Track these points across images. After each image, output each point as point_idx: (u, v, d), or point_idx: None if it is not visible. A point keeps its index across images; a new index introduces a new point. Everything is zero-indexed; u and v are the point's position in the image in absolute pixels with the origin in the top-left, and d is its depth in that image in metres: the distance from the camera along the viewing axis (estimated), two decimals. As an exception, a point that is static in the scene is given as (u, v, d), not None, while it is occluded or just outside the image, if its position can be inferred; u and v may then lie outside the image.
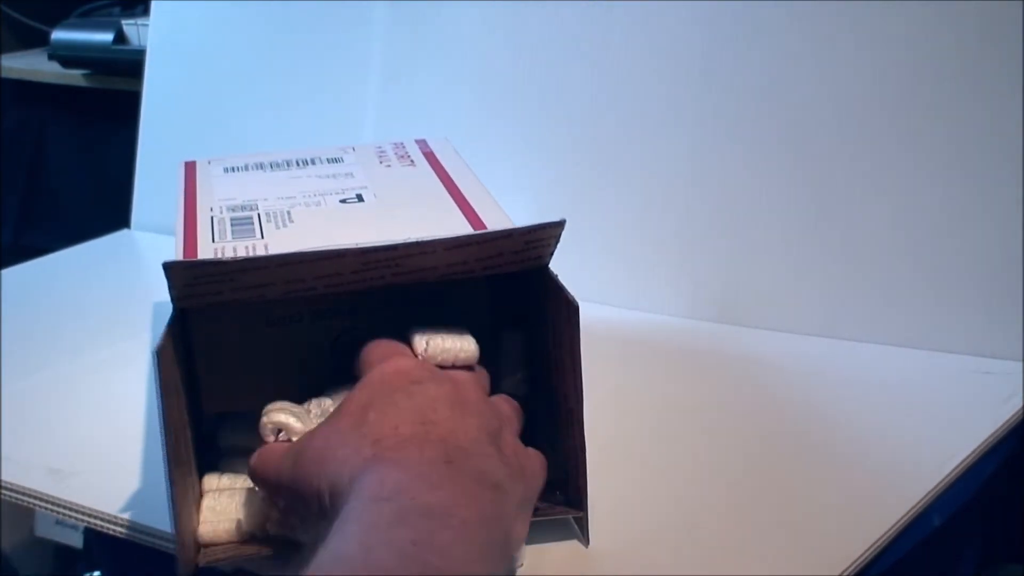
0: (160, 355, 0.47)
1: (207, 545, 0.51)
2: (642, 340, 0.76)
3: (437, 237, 0.50)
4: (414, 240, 0.50)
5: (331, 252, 0.49)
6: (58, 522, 1.29)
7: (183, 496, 0.49)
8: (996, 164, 0.70)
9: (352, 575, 0.36)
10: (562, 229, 0.51)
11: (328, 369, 0.54)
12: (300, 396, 0.54)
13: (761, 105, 0.77)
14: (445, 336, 0.52)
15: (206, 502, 0.52)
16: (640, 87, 0.81)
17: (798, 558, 0.52)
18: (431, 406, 0.46)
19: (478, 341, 0.53)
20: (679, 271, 0.79)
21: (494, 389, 0.58)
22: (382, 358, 0.50)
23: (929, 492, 0.56)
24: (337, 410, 0.48)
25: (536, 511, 0.53)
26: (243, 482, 0.54)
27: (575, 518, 0.54)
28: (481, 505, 0.41)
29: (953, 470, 0.58)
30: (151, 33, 1.04)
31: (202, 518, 0.52)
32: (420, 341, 0.51)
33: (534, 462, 0.50)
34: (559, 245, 0.52)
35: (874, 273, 0.74)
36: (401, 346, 0.51)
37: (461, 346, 0.52)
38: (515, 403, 0.53)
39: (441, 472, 0.42)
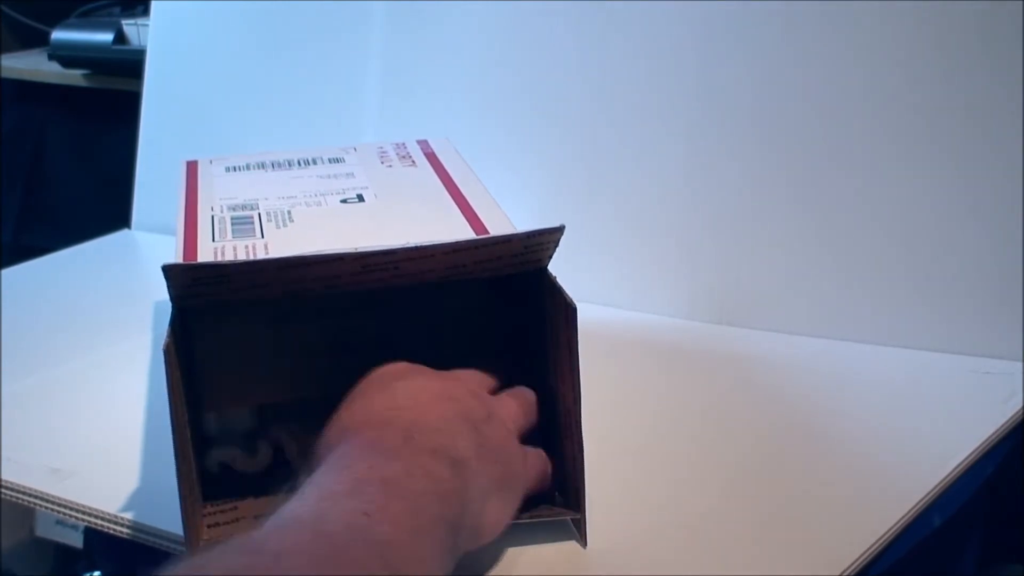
0: (166, 353, 0.47)
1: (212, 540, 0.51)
2: (641, 341, 0.76)
3: (436, 242, 0.50)
4: (413, 245, 0.50)
5: (330, 256, 0.49)
6: (58, 522, 1.29)
7: (189, 492, 0.49)
8: (995, 164, 0.70)
9: (300, 540, 0.38)
10: (561, 234, 0.51)
11: (327, 369, 0.54)
12: (298, 396, 0.53)
13: (759, 106, 0.77)
14: None
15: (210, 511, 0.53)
16: (639, 87, 0.81)
17: (798, 558, 0.52)
18: (406, 397, 0.47)
19: (476, 340, 0.52)
20: (679, 272, 0.79)
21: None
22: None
23: (929, 492, 0.56)
24: None
25: (534, 513, 0.53)
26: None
27: (573, 519, 0.54)
28: (437, 479, 0.42)
29: (953, 470, 0.58)
30: (151, 33, 1.03)
31: (207, 516, 0.52)
32: None
33: (530, 458, 0.51)
34: (559, 246, 0.52)
35: (873, 273, 0.74)
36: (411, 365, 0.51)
37: None
38: (527, 402, 0.54)
39: (398, 446, 0.43)
